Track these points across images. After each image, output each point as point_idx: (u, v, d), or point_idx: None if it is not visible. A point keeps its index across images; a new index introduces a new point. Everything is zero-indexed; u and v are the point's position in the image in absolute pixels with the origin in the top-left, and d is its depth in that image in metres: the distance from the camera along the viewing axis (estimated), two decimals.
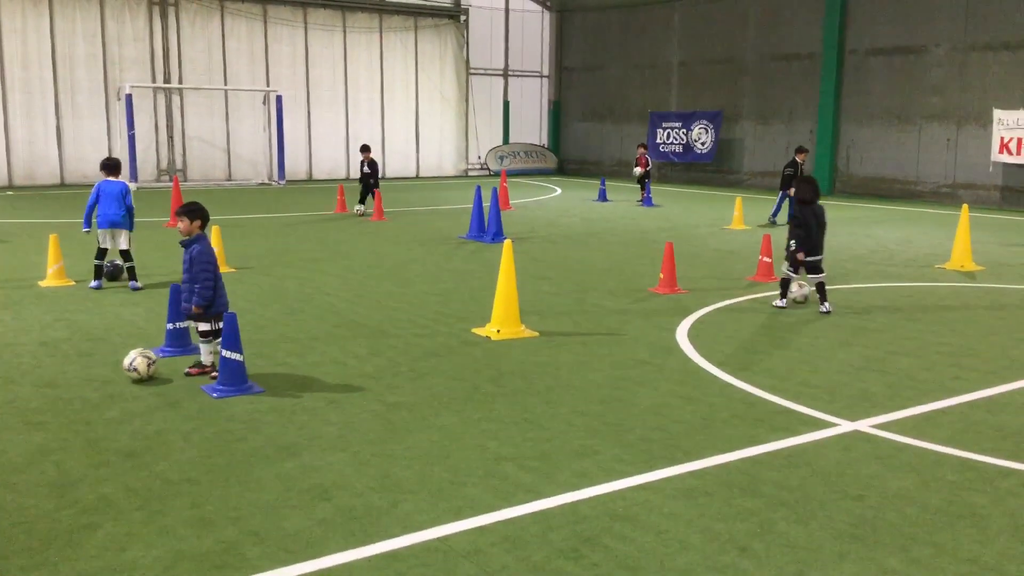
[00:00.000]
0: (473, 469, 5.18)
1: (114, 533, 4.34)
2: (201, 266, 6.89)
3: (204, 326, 7.00)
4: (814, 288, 9.88)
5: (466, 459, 5.34)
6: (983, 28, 22.89)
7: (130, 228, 10.63)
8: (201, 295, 6.87)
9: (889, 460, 5.40)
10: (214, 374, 6.86)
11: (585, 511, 4.64)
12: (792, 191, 18.42)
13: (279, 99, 28.45)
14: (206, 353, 7.04)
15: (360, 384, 6.84)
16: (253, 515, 4.55)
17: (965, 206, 13.61)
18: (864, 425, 6.03)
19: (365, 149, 19.88)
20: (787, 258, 9.72)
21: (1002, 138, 22.23)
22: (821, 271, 9.76)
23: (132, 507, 4.63)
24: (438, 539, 4.30)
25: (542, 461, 5.33)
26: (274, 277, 11.56)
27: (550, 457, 5.40)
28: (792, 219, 9.97)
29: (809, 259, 9.62)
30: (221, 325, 6.78)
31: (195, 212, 7.10)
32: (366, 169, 19.36)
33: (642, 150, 23.99)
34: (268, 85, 29.18)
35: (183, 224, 7.07)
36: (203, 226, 7.15)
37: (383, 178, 31.18)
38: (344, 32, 30.79)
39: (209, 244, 7.12)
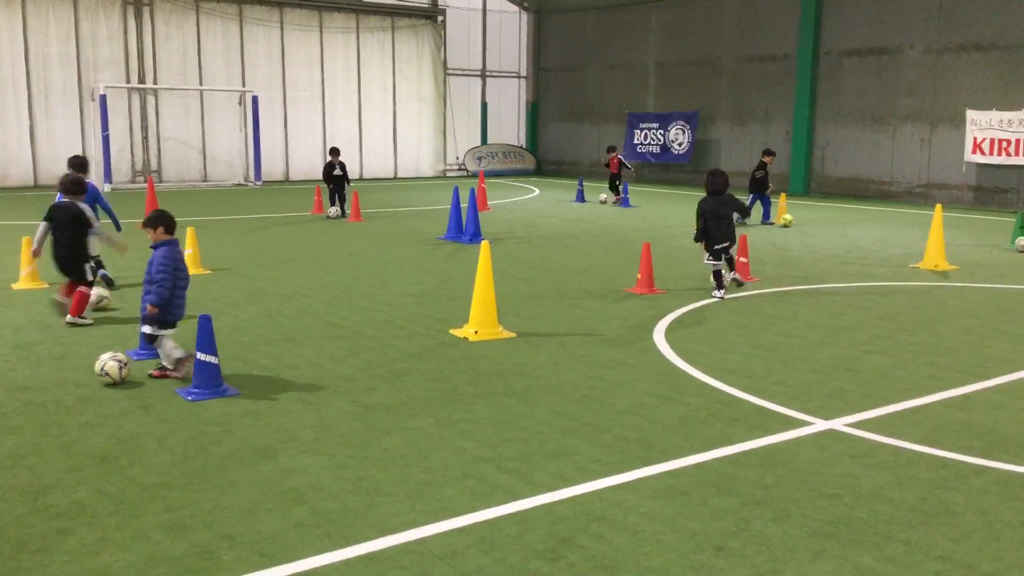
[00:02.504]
0: (450, 470, 5.17)
1: (87, 538, 4.29)
2: (158, 267, 6.92)
3: (147, 328, 6.97)
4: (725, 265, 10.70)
5: (443, 460, 5.33)
6: (956, 30, 23.14)
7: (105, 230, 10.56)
8: (158, 294, 6.86)
9: (864, 459, 5.44)
10: (177, 373, 6.88)
11: (562, 511, 4.65)
12: (769, 192, 18.61)
13: (255, 99, 28.31)
14: (164, 356, 6.99)
15: (337, 386, 6.82)
16: (228, 518, 4.51)
17: (938, 206, 13.75)
18: (839, 424, 6.08)
19: (336, 152, 19.43)
20: (705, 248, 10.56)
21: (975, 138, 22.49)
22: (731, 254, 10.77)
23: (106, 511, 4.58)
24: (415, 541, 4.29)
25: (519, 462, 5.33)
26: (250, 278, 11.50)
27: (527, 458, 5.40)
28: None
29: (716, 247, 10.41)
30: (166, 332, 6.88)
31: (154, 220, 7.19)
32: (338, 171, 18.94)
33: (612, 154, 23.91)
34: (244, 85, 29.03)
35: (148, 234, 7.19)
36: (168, 231, 7.15)
37: (361, 179, 31.12)
38: (321, 32, 30.67)
39: (175, 249, 7.10)
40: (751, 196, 18.69)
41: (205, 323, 6.50)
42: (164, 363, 6.99)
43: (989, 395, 6.80)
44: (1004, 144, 21.99)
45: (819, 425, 6.05)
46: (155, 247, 7.10)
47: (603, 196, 23.51)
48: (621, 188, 23.12)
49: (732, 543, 4.33)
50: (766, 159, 18.68)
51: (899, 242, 16.00)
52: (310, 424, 5.94)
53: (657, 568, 4.08)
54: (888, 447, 5.65)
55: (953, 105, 23.22)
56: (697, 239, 10.60)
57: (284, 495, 4.81)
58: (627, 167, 24.03)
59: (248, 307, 9.75)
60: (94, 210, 9.68)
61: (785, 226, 18.06)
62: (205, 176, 28.86)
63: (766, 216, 18.73)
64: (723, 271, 10.60)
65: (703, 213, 10.50)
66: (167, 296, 6.91)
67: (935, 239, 13.00)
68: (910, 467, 5.32)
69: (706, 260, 10.56)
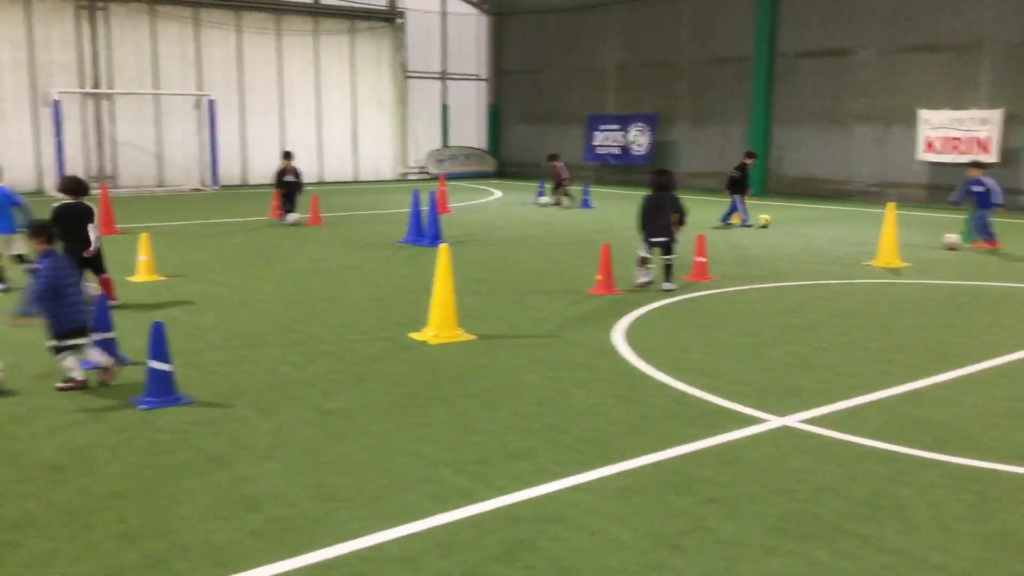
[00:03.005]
0: (409, 475, 5.16)
1: (38, 550, 4.22)
2: (37, 279, 6.84)
3: (51, 341, 6.86)
4: (661, 268, 11.15)
5: (402, 465, 5.32)
6: (908, 31, 23.53)
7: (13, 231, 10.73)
8: (24, 304, 6.79)
9: (817, 454, 5.52)
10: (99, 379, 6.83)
11: (520, 514, 4.66)
12: (741, 194, 18.55)
13: (211, 103, 28.01)
14: (66, 369, 6.84)
15: (294, 392, 6.77)
16: (181, 528, 4.46)
17: (891, 204, 13.97)
18: (793, 421, 6.15)
19: (289, 156, 18.88)
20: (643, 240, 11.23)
21: (927, 137, 22.88)
22: (671, 252, 11.07)
23: (57, 523, 4.51)
24: (372, 547, 4.27)
25: (478, 465, 5.33)
26: (206, 284, 11.37)
27: (486, 461, 5.41)
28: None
29: (651, 240, 11.06)
30: (77, 342, 6.80)
31: (35, 231, 7.16)
32: (290, 177, 18.40)
33: (555, 161, 23.40)
34: (201, 89, 28.71)
35: (35, 244, 7.13)
36: (49, 242, 7.06)
37: (321, 182, 30.92)
38: (279, 35, 30.43)
39: (55, 262, 6.96)
40: (734, 197, 18.55)
41: (158, 330, 6.42)
42: (74, 375, 6.83)
43: (940, 390, 6.93)
44: (955, 143, 22.39)
45: (774, 422, 6.12)
46: (39, 259, 7.04)
47: (544, 199, 23.29)
48: (561, 193, 22.87)
49: (688, 541, 4.36)
50: (748, 160, 18.72)
51: (854, 240, 16.23)
52: (266, 431, 5.89)
53: (614, 568, 4.10)
54: (841, 443, 5.73)
55: (906, 105, 23.61)
56: (641, 220, 11.34)
57: (239, 503, 4.76)
58: (565, 176, 23.14)
59: (203, 313, 9.64)
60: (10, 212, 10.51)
61: (764, 227, 18.09)
62: (161, 181, 28.49)
63: (726, 216, 18.69)
64: (649, 263, 11.18)
65: (647, 207, 11.24)
66: (29, 310, 6.77)
67: (888, 237, 13.21)
68: (862, 462, 5.40)
69: (641, 250, 11.22)
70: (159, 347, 6.40)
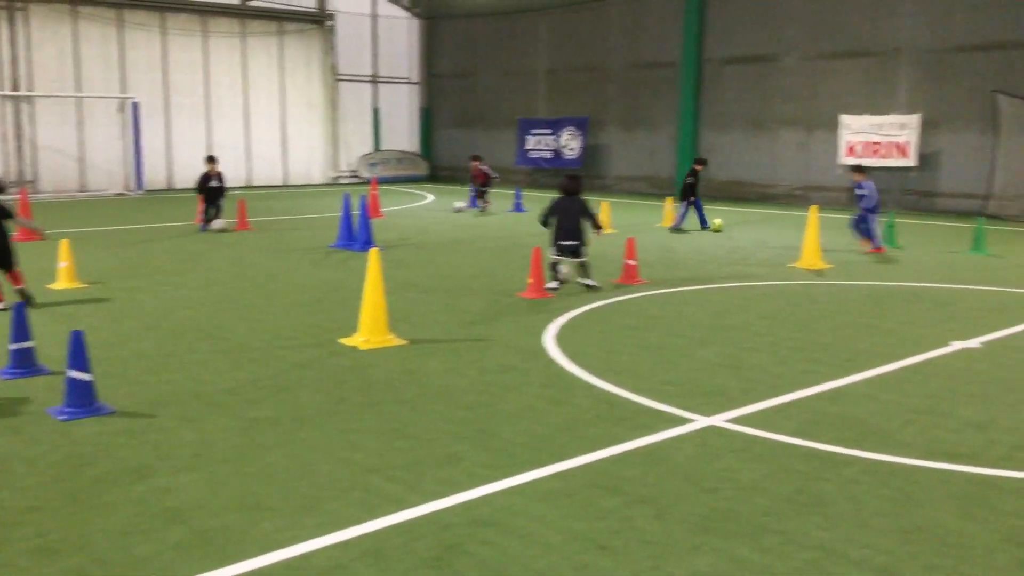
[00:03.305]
0: (337, 483, 5.10)
1: None
2: None
3: None
4: (576, 268, 11.36)
5: (330, 473, 5.26)
6: (829, 38, 24.17)
7: None
8: None
9: (742, 453, 5.62)
10: None
11: (450, 519, 4.64)
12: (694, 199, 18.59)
13: (135, 106, 27.40)
14: None
15: (219, 400, 6.64)
16: (101, 541, 4.34)
17: (814, 207, 14.32)
18: (719, 420, 6.25)
19: (213, 160, 18.12)
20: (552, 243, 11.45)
21: (849, 142, 23.52)
22: (580, 255, 11.24)
23: None
24: (299, 557, 4.21)
25: (408, 471, 5.30)
26: (129, 291, 11.10)
27: (416, 466, 5.38)
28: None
29: (561, 243, 11.22)
30: None
31: None
32: (214, 182, 17.74)
33: (476, 162, 22.99)
34: (124, 91, 28.05)
35: None
36: None
37: (249, 187, 30.46)
38: (205, 37, 29.89)
39: None
40: (683, 203, 18.64)
41: (78, 339, 6.24)
42: None
43: (860, 388, 7.11)
44: (875, 147, 23.06)
45: (701, 422, 6.22)
46: None
47: (459, 204, 22.83)
48: (486, 196, 22.57)
49: (616, 541, 4.40)
50: (697, 167, 18.86)
51: (778, 243, 16.59)
52: (189, 441, 5.77)
53: (542, 570, 4.11)
54: (765, 441, 5.84)
55: (828, 110, 24.23)
56: (540, 223, 11.68)
57: (161, 515, 4.65)
58: (492, 175, 22.89)
59: (126, 321, 9.41)
60: None
61: (716, 231, 18.24)
62: (84, 185, 27.74)
63: (679, 221, 18.59)
64: (563, 266, 11.32)
65: (554, 210, 11.42)
66: None
67: (811, 239, 13.54)
68: (785, 459, 5.51)
69: (551, 254, 11.39)
70: (79, 356, 6.23)
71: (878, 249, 15.16)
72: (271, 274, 12.56)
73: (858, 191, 15.50)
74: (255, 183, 31.10)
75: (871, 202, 15.23)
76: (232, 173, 30.82)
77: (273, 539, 4.38)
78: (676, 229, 18.53)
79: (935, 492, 5.04)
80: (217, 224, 17.69)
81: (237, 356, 7.97)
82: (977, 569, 4.15)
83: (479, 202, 22.79)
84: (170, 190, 29.10)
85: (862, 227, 15.38)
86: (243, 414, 6.32)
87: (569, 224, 11.26)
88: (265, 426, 6.08)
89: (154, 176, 28.88)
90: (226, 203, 18.25)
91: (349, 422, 6.18)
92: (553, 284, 11.23)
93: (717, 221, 18.70)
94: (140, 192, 27.36)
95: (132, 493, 4.93)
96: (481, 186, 22.72)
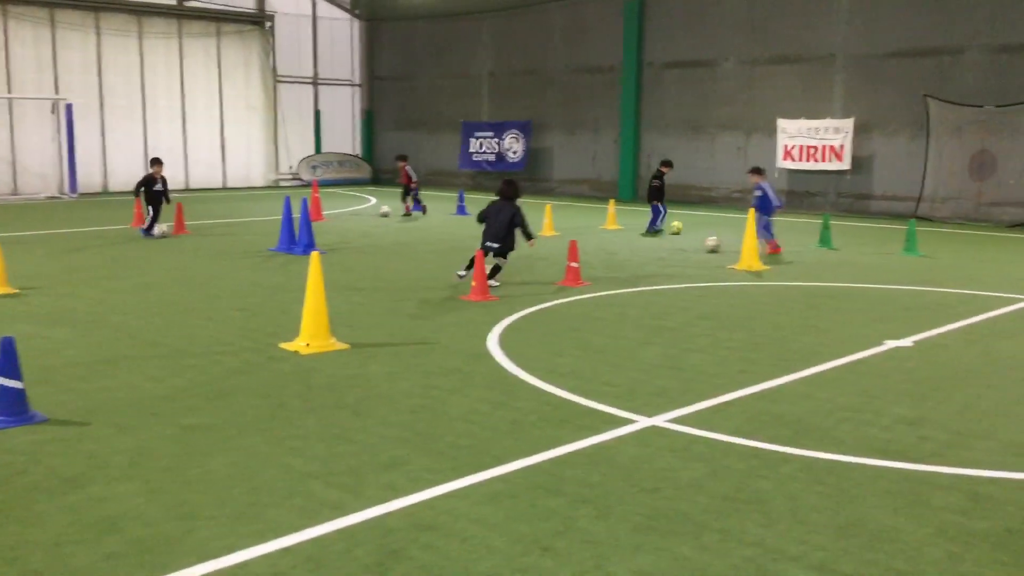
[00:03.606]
0: (276, 489, 5.04)
1: None
2: None
3: None
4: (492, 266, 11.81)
5: (269, 479, 5.18)
6: (765, 43, 24.61)
7: None
8: None
9: (682, 452, 5.68)
10: None
11: (392, 524, 4.61)
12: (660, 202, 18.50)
13: (69, 107, 26.76)
14: None
15: (155, 408, 6.51)
16: (33, 553, 4.23)
17: (752, 210, 14.55)
18: (660, 420, 6.32)
19: (158, 163, 17.52)
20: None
21: (786, 146, 23.97)
22: (501, 256, 11.80)
23: None
24: (236, 565, 4.15)
25: (350, 476, 5.26)
26: (62, 297, 10.83)
27: (358, 471, 5.33)
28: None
29: (486, 243, 11.74)
30: None
31: None
32: (158, 186, 17.06)
33: (402, 163, 22.29)
34: (57, 93, 27.37)
35: None
36: None
37: (187, 189, 29.96)
38: (140, 38, 29.31)
39: None
40: (653, 205, 18.58)
41: (7, 346, 6.07)
42: None
43: (797, 386, 7.25)
44: (811, 150, 23.53)
45: (642, 422, 6.27)
46: None
47: (384, 208, 22.22)
48: (412, 198, 21.88)
49: (558, 543, 4.42)
50: (663, 169, 18.77)
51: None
52: (125, 449, 5.64)
53: (484, 573, 4.11)
54: (705, 440, 5.92)
55: (765, 114, 24.66)
56: (477, 221, 12.22)
57: (95, 525, 4.55)
58: (413, 179, 21.96)
59: (58, 328, 9.17)
60: None
61: (675, 234, 18.26)
62: (15, 189, 27.00)
63: (653, 224, 18.59)
64: (477, 262, 11.39)
65: (488, 211, 11.96)
66: None
67: (749, 242, 13.76)
68: (724, 458, 5.59)
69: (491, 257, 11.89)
70: (9, 364, 6.05)
71: (776, 250, 15.32)
72: (209, 279, 12.36)
73: (756, 192, 15.67)
74: (193, 186, 30.58)
75: (770, 203, 15.39)
76: (170, 176, 30.12)
77: (210, 547, 4.31)
78: (652, 231, 18.40)
79: (869, 488, 5.15)
80: (159, 229, 17.07)
81: (174, 362, 7.82)
82: (909, 563, 4.25)
83: (404, 205, 21.90)
84: (105, 193, 28.48)
85: (763, 227, 15.39)
86: (180, 421, 6.21)
87: (496, 227, 11.76)
88: (203, 433, 5.97)
89: (88, 179, 28.23)
90: (165, 208, 17.74)
91: (289, 428, 6.10)
92: (462, 272, 11.84)
93: (677, 224, 18.73)
94: (74, 196, 26.72)
95: (65, 503, 4.81)
96: (407, 188, 21.96)
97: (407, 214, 21.77)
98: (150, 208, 17.07)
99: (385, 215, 21.78)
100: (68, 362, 7.79)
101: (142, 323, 9.44)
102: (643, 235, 18.31)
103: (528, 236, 11.95)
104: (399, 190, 22.72)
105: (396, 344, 8.62)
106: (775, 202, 15.65)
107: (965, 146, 21.32)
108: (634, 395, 6.94)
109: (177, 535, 4.44)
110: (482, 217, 12.05)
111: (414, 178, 22.06)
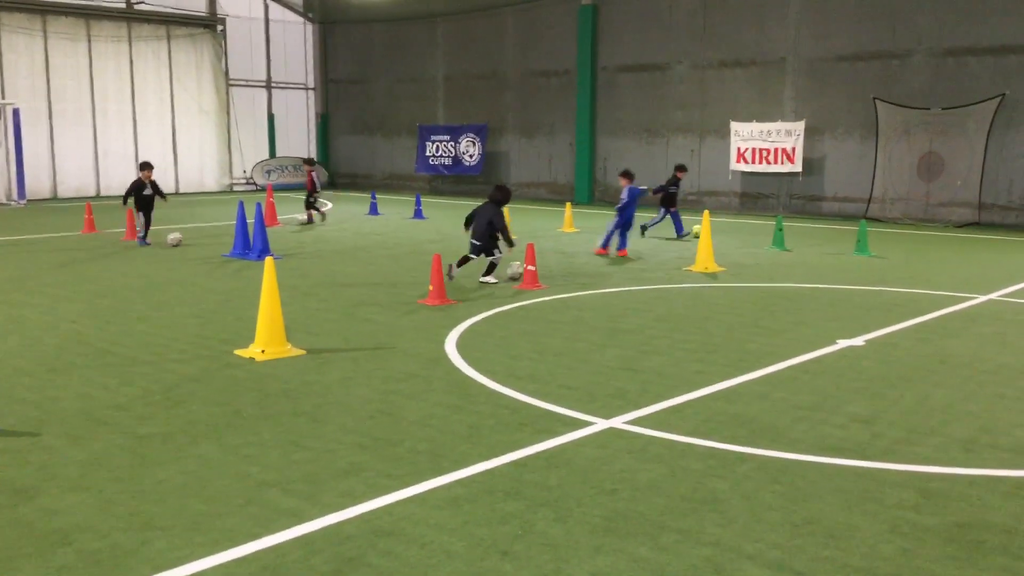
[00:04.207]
0: (232, 498, 4.97)
1: None
2: None
3: None
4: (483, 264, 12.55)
5: (224, 488, 5.12)
6: (718, 47, 24.89)
7: None
8: None
9: (640, 453, 5.72)
10: None
11: (349, 530, 4.58)
12: (674, 208, 18.35)
13: (16, 112, 26.21)
14: None
15: (107, 417, 6.39)
16: None
17: (706, 212, 14.70)
18: (618, 422, 6.35)
19: (147, 167, 16.82)
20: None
21: (738, 148, 24.26)
22: (487, 255, 12.42)
23: None
24: (191, 575, 4.09)
25: (307, 483, 5.21)
26: (10, 306, 10.60)
27: (315, 478, 5.29)
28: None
29: (472, 241, 12.42)
30: None
31: None
32: (148, 191, 16.43)
33: (308, 167, 21.38)
34: (3, 97, 26.80)
35: None
36: None
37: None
38: (88, 41, 28.82)
39: None
40: (661, 210, 18.41)
41: None
42: None
43: (753, 386, 7.33)
44: (764, 153, 23.84)
45: (600, 424, 6.30)
46: None
47: (300, 217, 21.18)
48: (318, 204, 21.14)
49: (517, 546, 4.42)
50: (679, 174, 18.48)
51: (674, 247, 16.97)
52: (76, 459, 5.53)
53: None
54: (663, 441, 5.96)
55: (718, 117, 24.94)
56: (465, 222, 12.71)
57: (46, 537, 4.45)
58: (317, 186, 21.06)
59: (6, 337, 8.97)
60: None
61: (697, 236, 18.04)
62: None
63: (679, 229, 18.44)
64: (469, 261, 12.45)
65: (474, 213, 12.53)
66: None
67: (704, 243, 13.89)
68: (682, 459, 5.63)
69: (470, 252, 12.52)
70: None
71: (603, 250, 15.44)
72: (162, 285, 12.18)
73: (622, 195, 15.40)
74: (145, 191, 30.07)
75: (622, 204, 15.26)
76: (121, 181, 29.81)
77: (165, 558, 4.24)
78: (642, 229, 18.26)
79: (823, 486, 5.22)
80: (171, 237, 16.48)
81: (126, 371, 7.69)
82: (863, 560, 4.32)
83: (308, 213, 20.78)
84: (54, 199, 27.94)
85: (624, 232, 15.39)
86: (133, 430, 6.11)
87: (477, 226, 12.38)
88: (156, 442, 5.88)
89: (37, 185, 27.71)
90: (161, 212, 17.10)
91: (245, 436, 6.03)
92: (453, 271, 12.39)
93: (697, 228, 18.14)
94: (22, 202, 26.18)
95: (16, 515, 4.70)
96: (310, 194, 20.90)
97: (308, 221, 20.69)
98: (141, 215, 16.55)
99: (302, 224, 20.06)
100: (17, 371, 7.62)
101: (93, 331, 9.27)
102: (675, 239, 18.12)
103: (507, 240, 12.32)
104: (362, 194, 22.54)
105: (353, 349, 8.56)
106: (621, 206, 15.33)
107: (913, 148, 21.75)
108: (592, 397, 6.97)
109: (131, 546, 4.37)
110: (469, 219, 12.59)
111: (318, 185, 21.10)
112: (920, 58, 21.63)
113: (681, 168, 18.96)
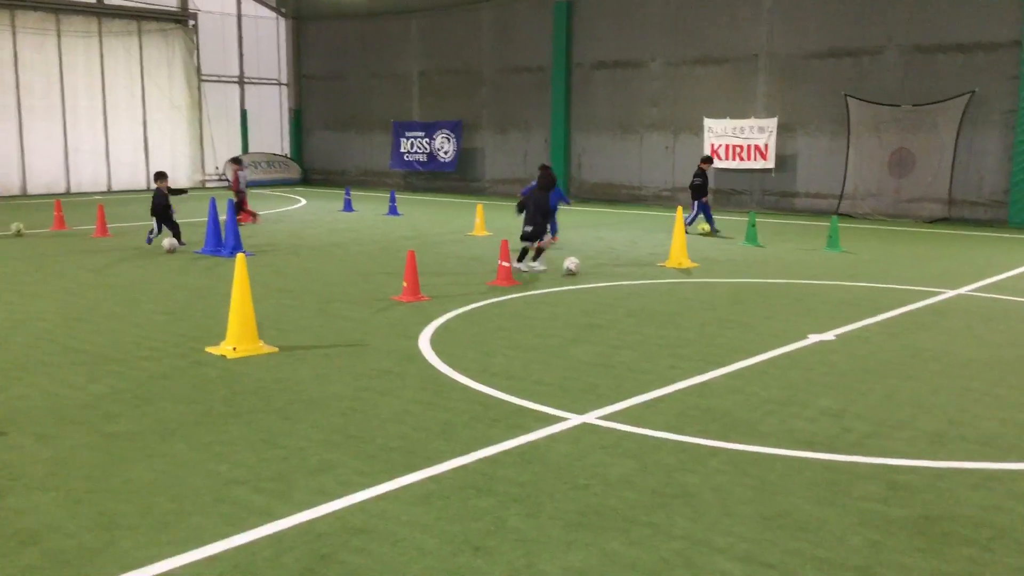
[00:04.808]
0: (201, 497, 4.93)
1: None
2: None
3: None
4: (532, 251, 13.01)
5: (194, 487, 5.08)
6: (691, 44, 24.97)
7: None
8: None
9: (613, 448, 5.73)
10: None
11: (322, 528, 4.56)
12: (704, 199, 18.14)
13: None
14: None
15: (75, 415, 6.32)
16: None
17: (679, 208, 14.76)
18: (592, 417, 6.36)
19: (162, 177, 15.97)
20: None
21: (712, 145, 24.35)
22: (533, 240, 12.86)
23: None
24: (160, 575, 4.05)
25: (278, 481, 5.18)
26: None
27: (286, 476, 5.26)
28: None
29: (525, 228, 12.86)
30: None
31: None
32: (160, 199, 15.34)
33: (235, 166, 20.40)
34: None
35: None
36: None
37: (110, 191, 29.22)
38: (59, 36, 28.45)
39: None
40: (694, 204, 18.23)
41: None
42: None
43: (724, 381, 7.37)
44: (737, 149, 23.96)
45: (574, 420, 6.31)
46: None
47: (168, 242, 17.19)
48: (244, 206, 19.33)
49: (490, 542, 4.41)
50: (703, 166, 18.38)
51: (648, 243, 17.03)
52: (44, 458, 5.47)
53: (416, 575, 4.08)
54: (635, 436, 5.98)
55: (692, 114, 25.03)
56: (517, 210, 13.45)
57: (12, 537, 4.40)
58: (241, 188, 19.53)
59: None
60: None
61: (703, 233, 17.83)
62: None
63: (711, 223, 18.17)
64: (530, 251, 12.90)
65: (525, 202, 13.13)
66: None
67: (678, 239, 13.95)
68: (654, 453, 5.66)
69: (520, 240, 13.01)
70: None
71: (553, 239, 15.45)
72: (133, 282, 12.06)
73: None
74: (116, 188, 29.82)
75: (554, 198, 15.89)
76: (91, 178, 29.53)
77: (133, 558, 4.20)
78: (713, 232, 17.99)
79: (794, 479, 5.26)
80: (168, 244, 15.19)
81: (95, 368, 7.61)
82: (832, 552, 4.35)
83: (246, 213, 19.22)
84: (23, 196, 27.59)
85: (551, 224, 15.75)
86: (102, 429, 6.04)
87: (528, 213, 12.94)
88: (125, 441, 5.82)
89: (6, 182, 27.39)
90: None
91: (215, 434, 5.99)
92: (519, 264, 12.87)
93: (704, 226, 18.22)
94: None
95: None
96: (236, 194, 19.42)
97: (242, 223, 18.49)
98: (155, 223, 15.73)
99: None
100: None
101: (62, 328, 9.16)
102: (704, 234, 17.95)
103: (547, 224, 12.99)
104: (336, 190, 22.39)
105: (326, 346, 8.52)
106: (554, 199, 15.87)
107: (884, 144, 21.95)
108: (565, 393, 6.98)
109: (98, 546, 4.32)
110: (521, 206, 13.25)
111: (242, 185, 19.61)
112: (891, 55, 21.83)
113: (705, 160, 18.85)
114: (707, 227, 18.29)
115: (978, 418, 6.44)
